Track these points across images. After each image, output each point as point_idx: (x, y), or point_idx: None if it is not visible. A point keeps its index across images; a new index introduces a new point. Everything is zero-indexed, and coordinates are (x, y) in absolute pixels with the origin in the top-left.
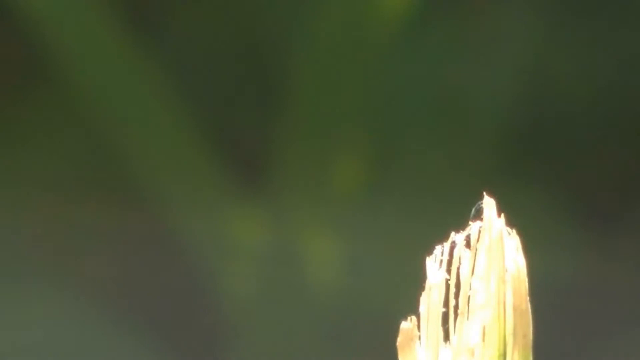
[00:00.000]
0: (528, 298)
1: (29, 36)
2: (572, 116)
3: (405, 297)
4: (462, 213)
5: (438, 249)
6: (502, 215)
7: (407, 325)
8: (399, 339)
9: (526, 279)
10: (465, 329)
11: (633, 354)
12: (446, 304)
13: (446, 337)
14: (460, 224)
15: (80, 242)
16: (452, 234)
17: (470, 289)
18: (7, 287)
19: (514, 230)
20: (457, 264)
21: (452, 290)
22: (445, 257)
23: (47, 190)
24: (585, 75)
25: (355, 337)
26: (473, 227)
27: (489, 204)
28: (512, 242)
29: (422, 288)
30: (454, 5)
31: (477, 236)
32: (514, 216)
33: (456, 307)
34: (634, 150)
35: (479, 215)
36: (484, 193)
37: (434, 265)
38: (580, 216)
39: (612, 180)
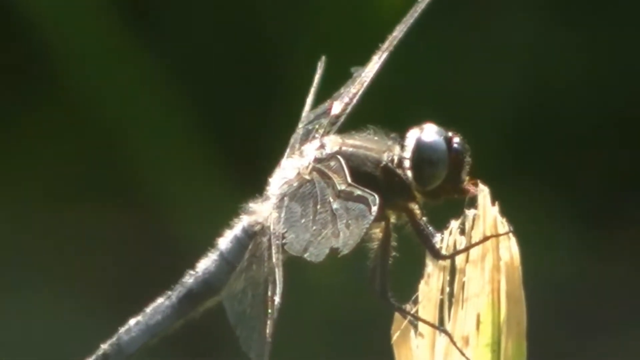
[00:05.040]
0: (522, 286)
1: (29, 38)
2: (572, 115)
3: (403, 286)
4: (458, 204)
5: (437, 236)
6: (496, 203)
7: (401, 314)
8: (393, 328)
9: (520, 267)
10: (460, 317)
11: (632, 350)
12: (441, 291)
13: (441, 324)
14: (455, 212)
15: (80, 243)
16: (452, 222)
17: (464, 276)
18: (7, 287)
19: (507, 219)
20: (452, 250)
21: (447, 277)
22: (445, 245)
23: (46, 190)
24: (585, 76)
25: (353, 326)
26: (468, 214)
27: (483, 192)
28: (506, 230)
29: (421, 276)
30: (456, 7)
31: (471, 223)
32: (514, 213)
33: (451, 294)
34: (634, 149)
35: (473, 203)
36: (478, 181)
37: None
38: (578, 213)
39: (610, 177)
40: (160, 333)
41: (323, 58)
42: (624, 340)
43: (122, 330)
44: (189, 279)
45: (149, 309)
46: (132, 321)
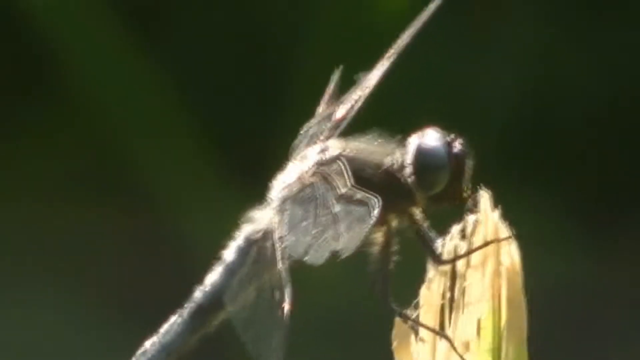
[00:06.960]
0: (523, 291)
1: (31, 38)
2: (574, 116)
3: (404, 291)
4: (459, 207)
5: (438, 241)
6: (498, 208)
7: (402, 319)
8: (394, 333)
9: (521, 273)
10: (461, 322)
11: (633, 352)
12: (442, 296)
13: (442, 330)
14: (456, 216)
15: (81, 243)
16: (453, 227)
17: (465, 281)
18: (8, 288)
19: (508, 224)
20: (453, 255)
21: (448, 282)
22: (446, 250)
23: (47, 191)
24: (586, 78)
25: (353, 332)
26: (469, 219)
27: (484, 196)
28: (507, 234)
29: (422, 281)
30: (460, 6)
31: (472, 228)
32: (514, 215)
33: (451, 299)
34: (634, 151)
35: (474, 207)
36: (480, 186)
37: (433, 259)
38: (579, 215)
39: (611, 179)
40: (176, 350)
41: (340, 68)
42: (627, 345)
43: (138, 352)
44: (198, 294)
45: (162, 329)
46: (147, 343)
